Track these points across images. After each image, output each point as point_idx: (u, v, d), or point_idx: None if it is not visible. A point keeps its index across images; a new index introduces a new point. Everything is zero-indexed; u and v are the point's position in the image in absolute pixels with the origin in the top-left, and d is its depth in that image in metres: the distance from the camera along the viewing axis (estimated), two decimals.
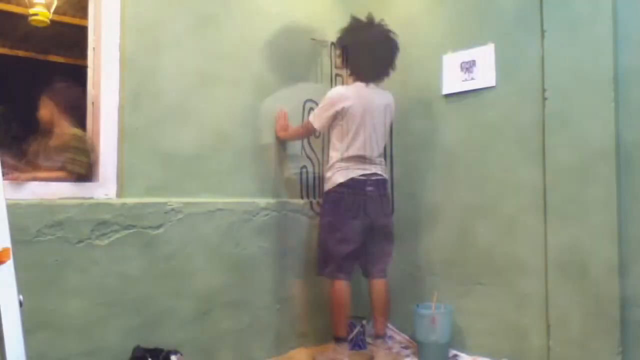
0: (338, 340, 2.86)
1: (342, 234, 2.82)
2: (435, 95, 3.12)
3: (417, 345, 2.95)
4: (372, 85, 2.92)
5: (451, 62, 3.05)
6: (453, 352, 2.92)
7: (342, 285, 2.84)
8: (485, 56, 2.89)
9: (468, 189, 2.96)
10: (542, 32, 2.63)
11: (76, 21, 4.81)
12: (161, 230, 2.60)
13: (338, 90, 2.92)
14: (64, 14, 4.77)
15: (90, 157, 2.52)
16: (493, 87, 2.86)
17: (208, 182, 2.84)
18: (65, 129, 2.75)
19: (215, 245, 2.79)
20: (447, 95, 3.07)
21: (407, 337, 3.20)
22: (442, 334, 2.83)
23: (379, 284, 2.94)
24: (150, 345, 2.45)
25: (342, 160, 2.85)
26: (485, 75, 2.89)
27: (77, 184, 2.46)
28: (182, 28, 2.78)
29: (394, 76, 3.32)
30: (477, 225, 2.91)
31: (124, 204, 2.50)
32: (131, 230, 2.50)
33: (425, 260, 3.16)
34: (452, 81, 3.04)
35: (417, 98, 3.22)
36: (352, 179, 2.82)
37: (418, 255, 3.20)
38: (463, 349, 2.94)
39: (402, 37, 3.29)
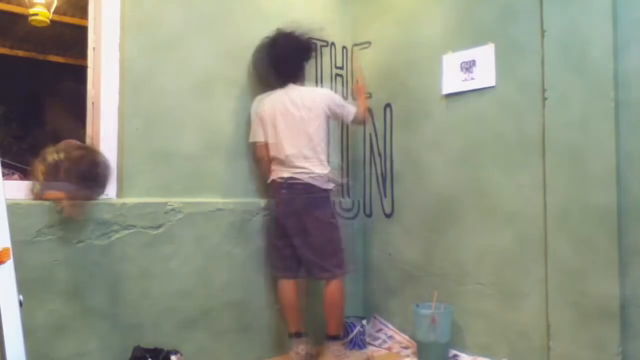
0: (291, 336, 2.88)
1: (269, 234, 2.98)
2: (435, 95, 3.12)
3: (417, 345, 2.94)
4: (291, 86, 2.94)
5: (451, 62, 3.05)
6: (453, 352, 2.92)
7: (282, 285, 2.92)
8: (485, 56, 2.89)
9: (468, 188, 2.95)
10: (542, 32, 2.63)
11: (76, 21, 4.82)
12: (161, 230, 2.60)
13: (256, 99, 3.01)
14: (64, 14, 4.77)
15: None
16: (493, 87, 2.86)
17: (208, 182, 2.85)
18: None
19: (215, 245, 2.79)
20: (447, 95, 3.07)
21: (407, 337, 3.19)
22: (442, 334, 2.83)
23: (326, 286, 2.88)
24: (150, 345, 2.45)
25: (272, 163, 2.94)
26: (485, 75, 2.89)
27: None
28: (182, 28, 2.78)
29: (394, 76, 3.33)
30: (477, 225, 2.91)
31: (124, 204, 2.50)
32: (131, 230, 2.50)
33: (425, 260, 3.16)
34: (452, 81, 3.04)
35: (417, 98, 3.22)
36: (272, 181, 2.92)
37: (418, 255, 3.20)
38: (463, 349, 2.93)
39: (402, 37, 3.31)
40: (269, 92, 2.96)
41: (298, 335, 2.87)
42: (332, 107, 2.95)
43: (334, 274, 2.85)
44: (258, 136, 2.94)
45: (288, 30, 2.97)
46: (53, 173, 2.29)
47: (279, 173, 2.87)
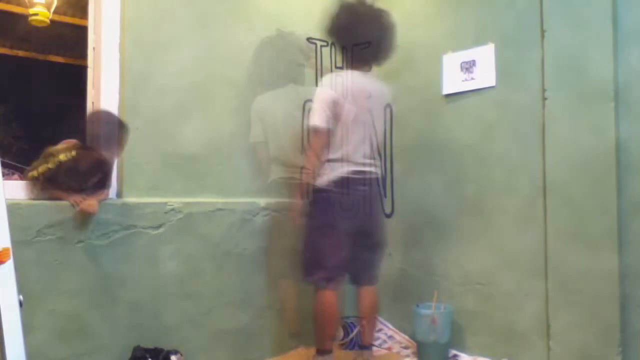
0: (322, 353, 2.63)
1: (334, 238, 2.60)
2: (435, 95, 3.12)
3: (417, 345, 2.94)
4: (363, 73, 2.71)
5: (451, 62, 3.05)
6: (453, 352, 2.92)
7: (327, 297, 2.59)
8: (485, 56, 2.89)
9: (468, 188, 2.96)
10: (542, 32, 2.63)
11: (76, 21, 4.82)
12: (161, 230, 2.60)
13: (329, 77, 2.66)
14: (64, 14, 4.78)
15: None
16: (493, 87, 2.86)
17: (208, 182, 2.85)
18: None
19: (215, 245, 2.79)
20: (447, 95, 3.07)
21: (407, 337, 3.19)
22: (442, 334, 2.83)
23: (368, 293, 2.76)
24: (150, 345, 2.45)
25: (334, 157, 2.62)
26: (485, 75, 2.89)
27: None
28: (182, 28, 2.78)
29: (394, 76, 3.33)
30: (477, 225, 2.91)
31: (124, 204, 2.50)
32: (131, 230, 2.50)
33: (425, 259, 3.16)
34: (452, 81, 3.04)
35: (417, 98, 3.22)
36: (340, 178, 2.59)
37: (418, 255, 3.20)
38: (463, 349, 2.93)
39: (402, 37, 3.29)
40: (344, 73, 2.66)
41: (330, 352, 2.65)
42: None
43: (378, 278, 2.79)
44: (323, 121, 2.56)
45: (370, 4, 2.69)
46: (55, 175, 2.29)
47: (347, 167, 2.58)
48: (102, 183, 2.41)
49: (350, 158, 2.59)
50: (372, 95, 2.66)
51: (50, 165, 2.28)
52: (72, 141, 2.43)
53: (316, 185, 2.61)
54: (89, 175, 2.37)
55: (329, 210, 2.59)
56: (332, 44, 3.12)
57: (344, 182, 2.57)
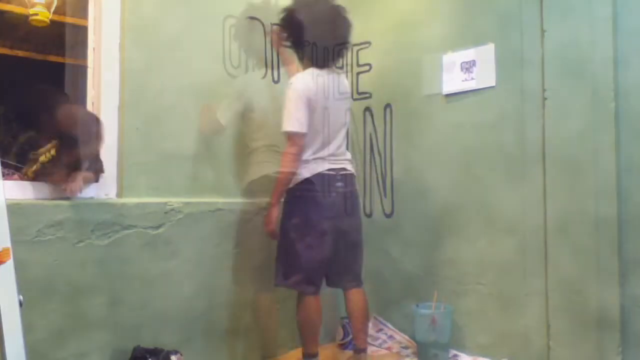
0: (308, 357, 2.62)
1: (310, 238, 2.53)
2: (436, 95, 3.12)
3: (417, 345, 2.95)
4: (331, 70, 2.69)
5: (451, 61, 3.05)
6: (453, 352, 2.92)
7: (309, 302, 2.57)
8: (485, 56, 2.89)
9: (468, 189, 2.95)
10: (542, 32, 2.63)
11: (76, 21, 4.81)
12: (161, 230, 2.60)
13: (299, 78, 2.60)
14: (64, 14, 4.77)
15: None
16: (493, 87, 2.86)
17: (208, 182, 2.85)
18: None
19: (215, 245, 2.79)
20: (447, 95, 3.07)
21: (407, 337, 3.19)
22: (442, 334, 2.83)
23: (357, 293, 2.72)
24: (150, 345, 2.45)
25: (309, 155, 2.58)
26: (485, 75, 2.89)
27: None
28: (183, 28, 2.78)
29: (394, 76, 3.34)
30: (477, 225, 2.91)
31: (124, 204, 2.50)
32: (131, 230, 2.50)
33: (426, 260, 3.16)
34: (452, 81, 3.04)
35: (417, 98, 3.22)
36: (316, 175, 2.55)
37: (418, 255, 3.20)
38: (463, 349, 2.93)
39: (402, 37, 3.30)
40: (311, 71, 2.62)
41: (316, 355, 2.65)
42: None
43: (362, 280, 2.75)
44: (303, 125, 2.52)
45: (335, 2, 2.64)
46: (42, 175, 2.36)
47: (324, 165, 2.55)
48: (92, 168, 2.45)
49: (325, 155, 2.58)
50: (339, 92, 2.66)
51: (34, 168, 2.37)
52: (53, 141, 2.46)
53: (291, 184, 2.60)
54: (74, 170, 2.41)
55: (304, 209, 2.56)
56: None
57: (320, 180, 2.54)
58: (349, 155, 2.75)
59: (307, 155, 2.57)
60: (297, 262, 2.55)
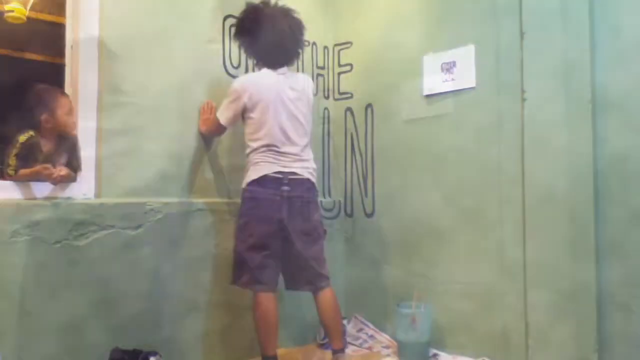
0: (267, 359, 2.57)
1: (256, 238, 2.56)
2: (416, 95, 3.13)
3: (398, 345, 2.96)
4: (286, 70, 2.72)
5: (432, 62, 3.06)
6: (433, 351, 2.94)
7: (262, 299, 2.56)
8: (465, 57, 2.91)
9: (450, 189, 2.97)
10: (522, 34, 2.66)
11: (54, 18, 4.74)
12: (140, 230, 2.57)
13: (244, 79, 2.73)
14: (41, 10, 4.69)
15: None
16: (473, 87, 2.88)
17: (188, 183, 2.82)
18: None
19: (194, 245, 2.77)
20: (428, 96, 3.08)
21: (387, 337, 3.21)
22: (422, 333, 2.84)
23: (323, 295, 2.68)
24: (129, 346, 2.42)
25: (256, 155, 2.63)
26: (465, 76, 2.91)
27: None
28: (165, 24, 2.75)
29: (375, 77, 3.35)
30: (459, 225, 2.93)
31: (102, 204, 2.47)
32: (110, 231, 2.47)
33: (406, 259, 3.17)
34: (433, 82, 3.05)
35: (397, 99, 3.23)
36: (263, 177, 2.57)
37: (399, 254, 3.21)
38: (443, 348, 2.95)
39: (383, 38, 3.32)
40: (259, 73, 2.73)
41: (274, 357, 2.59)
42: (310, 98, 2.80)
43: (329, 281, 2.72)
44: (228, 120, 2.69)
45: (275, 4, 2.74)
46: (23, 156, 2.39)
47: (272, 167, 2.58)
48: (71, 164, 2.47)
49: (272, 158, 2.60)
50: (294, 93, 2.69)
51: (15, 152, 2.39)
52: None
53: (243, 185, 2.65)
54: (55, 155, 2.46)
55: (248, 211, 2.59)
56: (314, 43, 3.04)
57: (265, 183, 2.57)
58: (307, 158, 2.72)
59: (255, 156, 2.62)
60: (244, 261, 2.58)
